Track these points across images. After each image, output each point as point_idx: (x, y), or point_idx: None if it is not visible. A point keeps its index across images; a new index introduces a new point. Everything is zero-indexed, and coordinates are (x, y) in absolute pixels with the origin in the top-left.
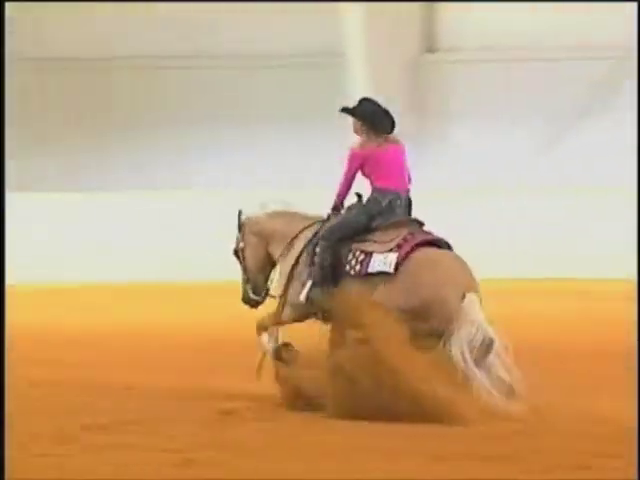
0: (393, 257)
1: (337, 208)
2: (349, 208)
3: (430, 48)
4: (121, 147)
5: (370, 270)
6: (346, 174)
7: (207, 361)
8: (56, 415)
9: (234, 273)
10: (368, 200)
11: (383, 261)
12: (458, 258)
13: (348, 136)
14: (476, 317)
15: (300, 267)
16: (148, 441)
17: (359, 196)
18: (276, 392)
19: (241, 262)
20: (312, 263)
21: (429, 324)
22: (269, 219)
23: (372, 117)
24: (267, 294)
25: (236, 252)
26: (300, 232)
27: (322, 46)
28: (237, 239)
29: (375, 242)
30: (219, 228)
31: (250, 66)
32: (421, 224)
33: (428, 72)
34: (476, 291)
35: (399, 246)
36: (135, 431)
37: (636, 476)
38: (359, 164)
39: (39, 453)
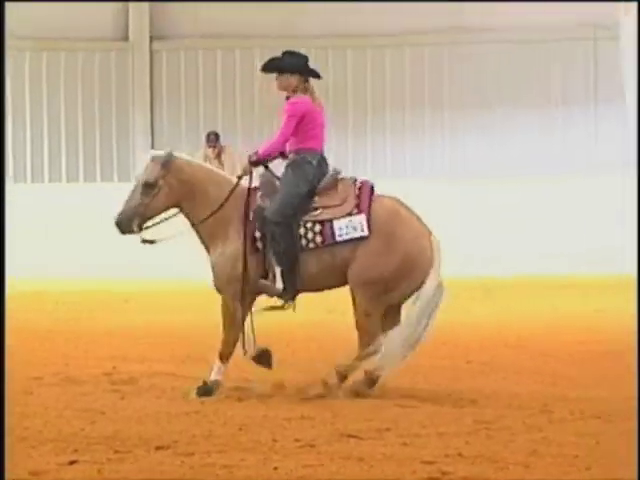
0: (360, 219)
1: (258, 163)
2: (280, 179)
3: None
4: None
5: (339, 239)
6: (287, 128)
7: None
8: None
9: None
10: (296, 163)
11: (351, 226)
12: (401, 201)
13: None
14: (439, 267)
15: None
16: (401, 451)
17: (285, 156)
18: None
19: (151, 196)
20: (264, 247)
21: (412, 278)
22: (197, 173)
23: (307, 69)
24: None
25: (149, 184)
26: (226, 200)
27: None
28: (157, 173)
29: (326, 208)
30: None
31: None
32: (354, 180)
33: None
34: (431, 232)
35: (358, 206)
36: (389, 439)
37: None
38: (301, 117)
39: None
